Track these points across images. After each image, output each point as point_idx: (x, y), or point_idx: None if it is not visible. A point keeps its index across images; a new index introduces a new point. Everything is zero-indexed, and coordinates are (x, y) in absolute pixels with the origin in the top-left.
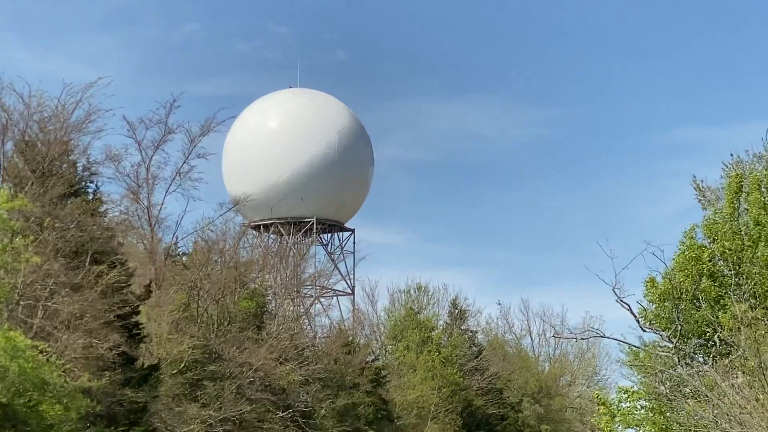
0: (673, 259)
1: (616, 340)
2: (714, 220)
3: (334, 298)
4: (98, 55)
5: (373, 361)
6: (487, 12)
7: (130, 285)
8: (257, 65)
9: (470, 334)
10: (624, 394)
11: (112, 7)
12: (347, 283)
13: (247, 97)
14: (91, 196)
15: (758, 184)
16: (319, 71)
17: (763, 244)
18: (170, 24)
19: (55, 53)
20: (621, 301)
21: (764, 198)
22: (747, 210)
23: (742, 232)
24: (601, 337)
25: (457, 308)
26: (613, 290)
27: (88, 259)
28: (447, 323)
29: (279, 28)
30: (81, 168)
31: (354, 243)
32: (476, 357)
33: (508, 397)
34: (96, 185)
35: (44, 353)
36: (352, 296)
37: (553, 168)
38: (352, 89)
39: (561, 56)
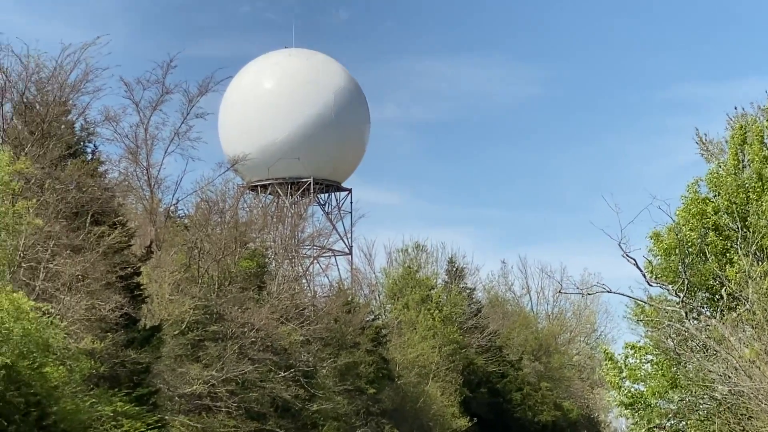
0: (678, 213)
1: (623, 294)
2: (717, 173)
3: (333, 258)
4: (98, 18)
5: (372, 320)
6: None
7: (131, 246)
8: (257, 26)
9: (468, 291)
10: (630, 349)
11: None
12: (345, 243)
13: (245, 57)
14: (90, 157)
15: (761, 136)
16: (317, 32)
17: None
18: None
19: (54, 20)
20: (627, 255)
21: (766, 150)
22: (750, 163)
23: (746, 186)
24: (608, 292)
25: (454, 266)
26: (619, 245)
27: (88, 220)
28: (445, 282)
29: None
30: (79, 129)
31: (351, 203)
32: (475, 315)
33: (507, 354)
34: (94, 145)
35: (47, 315)
36: (350, 256)
37: (552, 125)
38: (350, 49)
39: (560, 13)
